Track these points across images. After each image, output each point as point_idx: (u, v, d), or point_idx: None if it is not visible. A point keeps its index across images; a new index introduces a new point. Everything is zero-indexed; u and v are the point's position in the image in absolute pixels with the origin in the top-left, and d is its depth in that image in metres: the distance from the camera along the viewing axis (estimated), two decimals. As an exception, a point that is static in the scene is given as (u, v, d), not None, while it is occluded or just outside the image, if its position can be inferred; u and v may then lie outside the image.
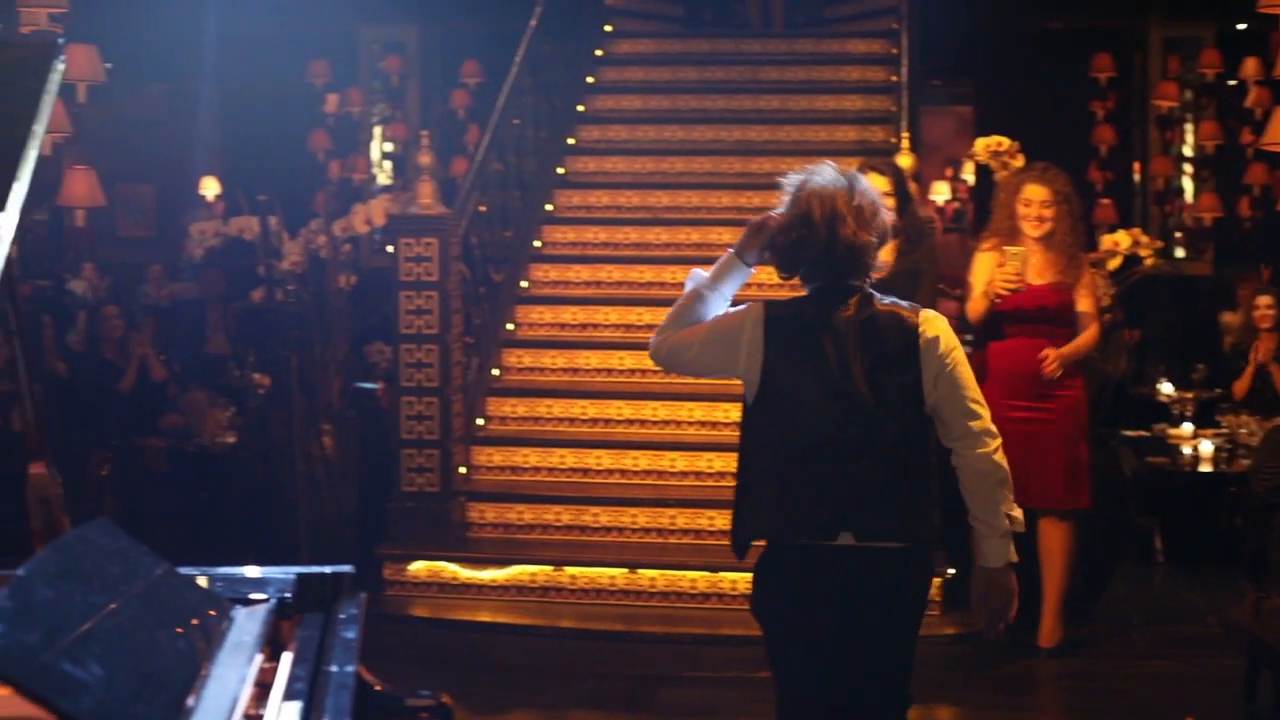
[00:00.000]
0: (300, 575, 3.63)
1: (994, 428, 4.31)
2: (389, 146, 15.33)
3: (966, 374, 4.31)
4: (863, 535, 4.22)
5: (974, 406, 4.30)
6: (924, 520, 4.30)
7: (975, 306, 7.40)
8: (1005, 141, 8.48)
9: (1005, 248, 7.21)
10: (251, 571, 3.65)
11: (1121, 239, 8.56)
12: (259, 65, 14.46)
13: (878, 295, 4.31)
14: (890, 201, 7.39)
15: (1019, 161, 8.50)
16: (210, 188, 16.80)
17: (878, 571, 4.26)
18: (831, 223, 4.24)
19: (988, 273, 7.27)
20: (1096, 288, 7.52)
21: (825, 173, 4.37)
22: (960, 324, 11.67)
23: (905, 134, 8.84)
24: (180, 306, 13.29)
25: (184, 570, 3.34)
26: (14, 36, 7.96)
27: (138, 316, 12.08)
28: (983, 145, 8.47)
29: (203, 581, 3.46)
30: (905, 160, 8.38)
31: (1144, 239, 8.94)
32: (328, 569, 3.67)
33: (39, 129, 3.08)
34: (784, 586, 4.34)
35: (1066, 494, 7.45)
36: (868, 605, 4.28)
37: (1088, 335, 7.39)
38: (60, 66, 3.24)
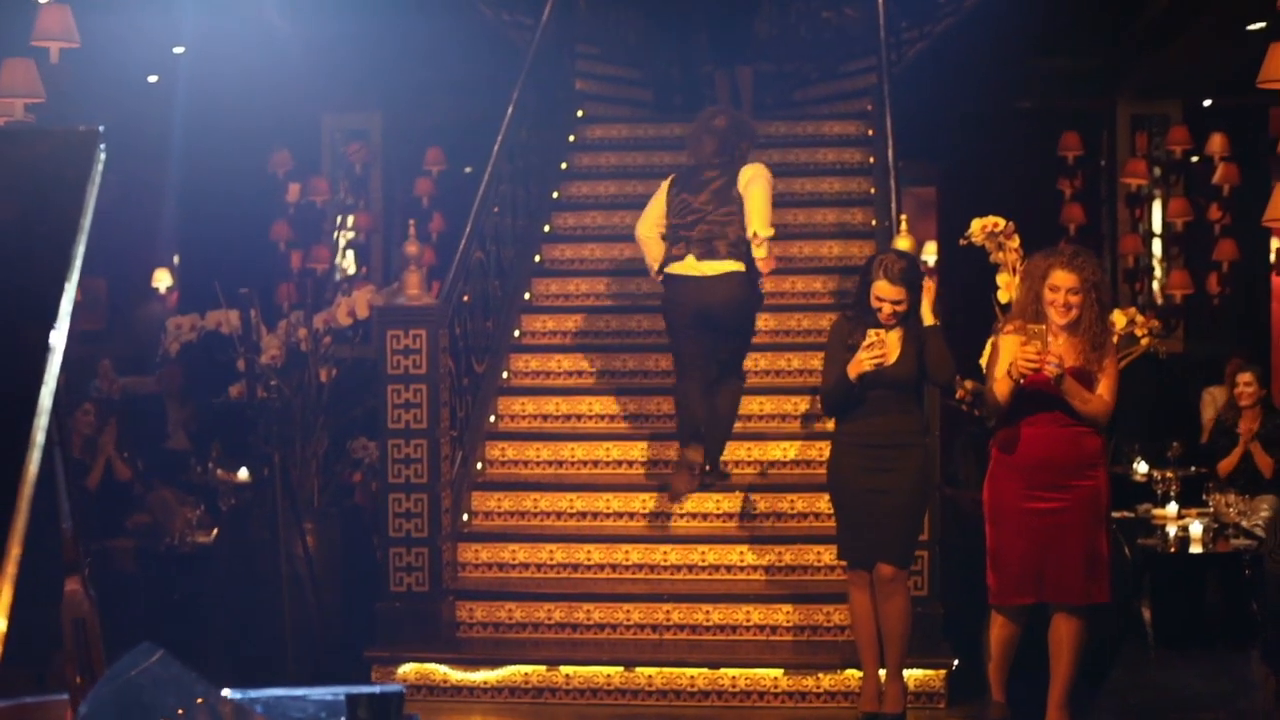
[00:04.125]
0: (349, 696, 3.39)
1: None
2: (352, 235, 15.13)
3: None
4: (713, 267, 8.68)
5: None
6: (749, 258, 8.66)
7: (1000, 389, 7.12)
8: (1001, 222, 8.31)
9: (1028, 325, 7.00)
10: (296, 692, 3.41)
11: (1118, 319, 8.40)
12: (221, 155, 14.24)
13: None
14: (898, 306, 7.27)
15: (1015, 241, 8.35)
16: (162, 280, 16.60)
17: (724, 284, 8.69)
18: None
19: (1010, 355, 7.05)
20: (1118, 378, 7.28)
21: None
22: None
23: (903, 216, 8.67)
24: (140, 402, 13.06)
25: (227, 693, 3.10)
26: (53, 125, 7.73)
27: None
28: (979, 226, 8.29)
29: (250, 705, 3.22)
30: (905, 242, 8.22)
31: (1140, 318, 8.80)
32: (377, 688, 3.44)
33: (86, 222, 2.85)
34: (675, 298, 8.82)
35: (1084, 588, 7.19)
36: (720, 304, 8.70)
37: (1101, 403, 7.12)
38: (102, 156, 3.01)
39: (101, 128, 3.15)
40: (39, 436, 2.49)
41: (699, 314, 8.69)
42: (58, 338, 2.67)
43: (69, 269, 2.78)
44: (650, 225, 9.09)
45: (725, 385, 8.89)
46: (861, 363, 7.27)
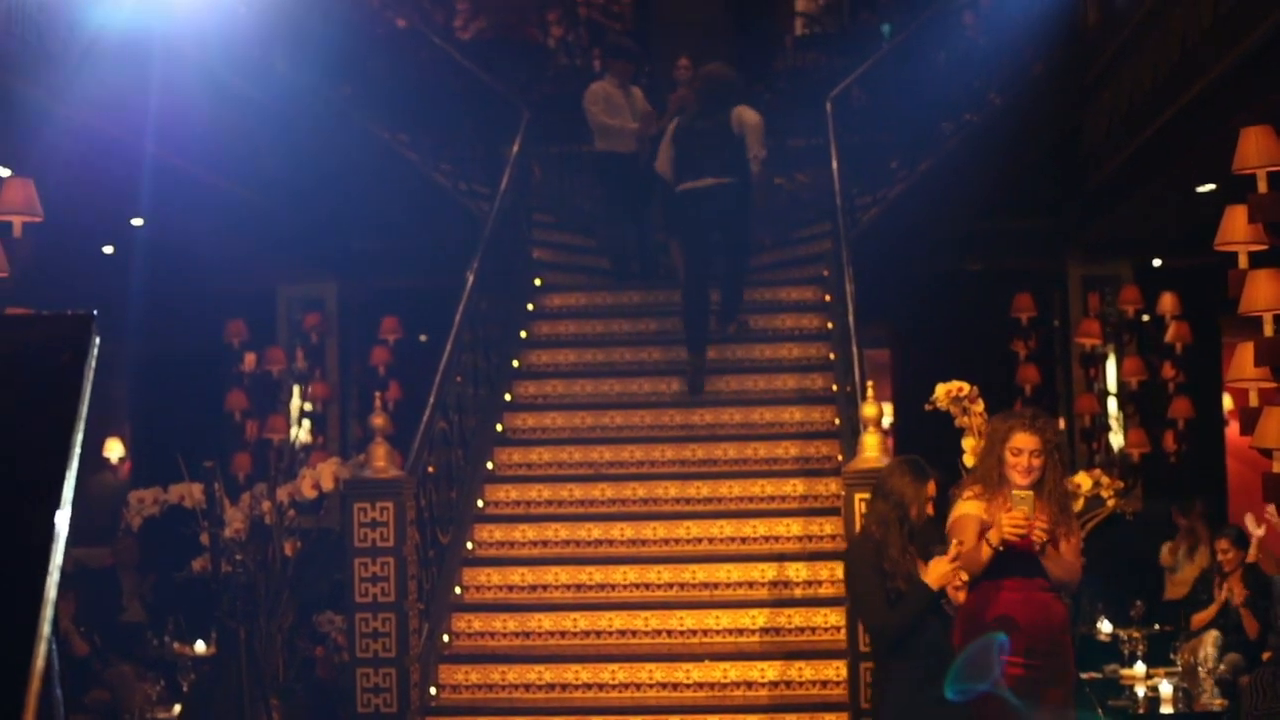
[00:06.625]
0: None
1: None
2: (308, 405, 15.05)
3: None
4: (717, 181, 11.33)
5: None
6: (742, 173, 11.40)
7: (978, 556, 6.96)
8: (965, 386, 8.31)
9: (1014, 491, 6.89)
10: None
11: (1083, 481, 8.39)
12: (176, 325, 14.21)
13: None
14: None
15: (980, 405, 8.34)
16: (114, 449, 16.46)
17: (722, 192, 11.34)
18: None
19: (977, 521, 6.95)
20: (1081, 540, 7.20)
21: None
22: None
23: (869, 383, 8.67)
24: (93, 575, 12.88)
25: None
26: (44, 313, 7.60)
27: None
28: (943, 391, 8.29)
29: None
30: (871, 409, 8.22)
31: (1105, 480, 8.79)
32: None
33: (84, 409, 2.81)
34: (681, 207, 11.58)
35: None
36: (720, 207, 11.36)
37: (1076, 566, 7.02)
38: (96, 339, 2.99)
39: (95, 311, 3.13)
40: (45, 629, 2.43)
41: (710, 211, 11.42)
42: (62, 521, 2.63)
43: (70, 455, 2.74)
44: (668, 136, 12.04)
45: (732, 268, 11.82)
46: (946, 576, 6.85)
